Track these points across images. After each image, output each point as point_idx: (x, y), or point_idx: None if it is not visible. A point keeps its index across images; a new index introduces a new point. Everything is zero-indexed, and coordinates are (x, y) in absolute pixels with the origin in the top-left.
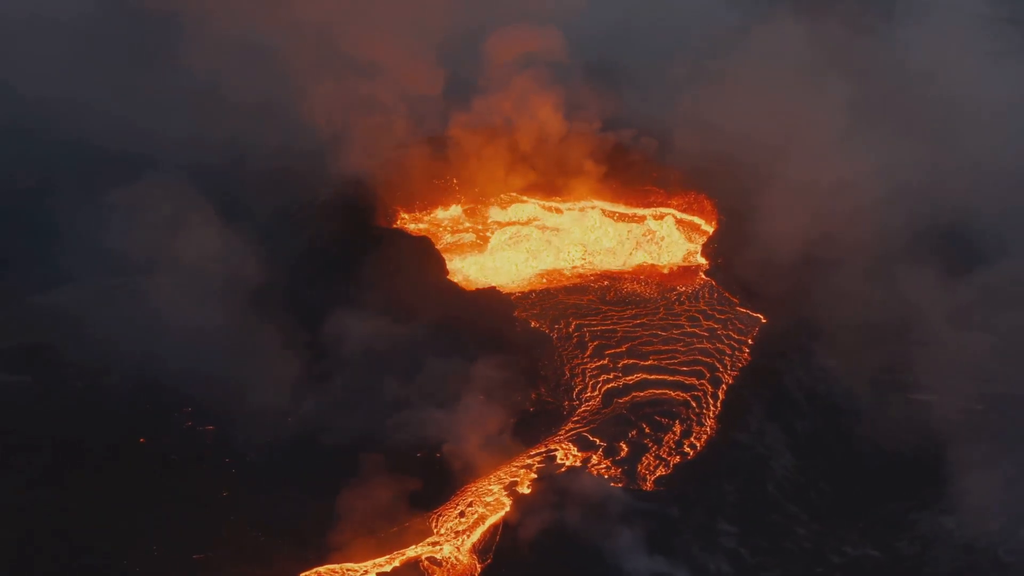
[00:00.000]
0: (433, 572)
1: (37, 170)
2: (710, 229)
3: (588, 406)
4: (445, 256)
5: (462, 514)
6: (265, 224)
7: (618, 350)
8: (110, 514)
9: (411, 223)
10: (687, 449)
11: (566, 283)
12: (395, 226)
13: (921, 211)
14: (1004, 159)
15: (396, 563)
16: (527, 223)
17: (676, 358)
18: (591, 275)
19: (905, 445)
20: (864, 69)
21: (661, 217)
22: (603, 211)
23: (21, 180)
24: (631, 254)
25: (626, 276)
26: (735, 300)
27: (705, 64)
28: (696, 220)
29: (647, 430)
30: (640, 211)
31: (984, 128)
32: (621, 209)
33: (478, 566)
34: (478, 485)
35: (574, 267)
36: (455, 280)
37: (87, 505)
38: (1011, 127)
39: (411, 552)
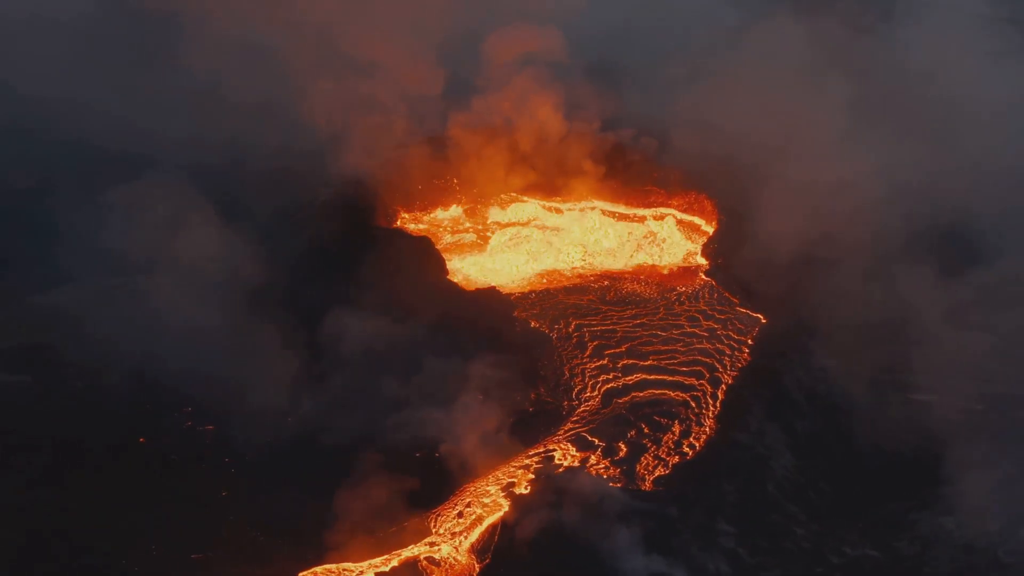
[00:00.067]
0: (431, 572)
1: (37, 170)
2: (710, 229)
3: (587, 406)
4: (445, 256)
5: (460, 515)
6: (265, 224)
7: (618, 350)
8: (110, 514)
9: (411, 223)
10: (686, 449)
11: (566, 283)
12: (395, 226)
13: (921, 211)
14: (1004, 159)
15: (394, 563)
16: (527, 223)
17: (676, 358)
18: (591, 275)
19: (905, 445)
20: (864, 69)
21: (661, 218)
22: (603, 211)
23: (21, 180)
24: (632, 255)
25: (626, 276)
26: (735, 300)
27: (705, 64)
28: (696, 220)
29: (646, 430)
30: (640, 211)
31: (984, 128)
32: (621, 209)
33: (476, 566)
34: (477, 485)
35: (574, 267)
36: (455, 280)
37: (87, 505)
38: (1011, 127)
39: (410, 552)
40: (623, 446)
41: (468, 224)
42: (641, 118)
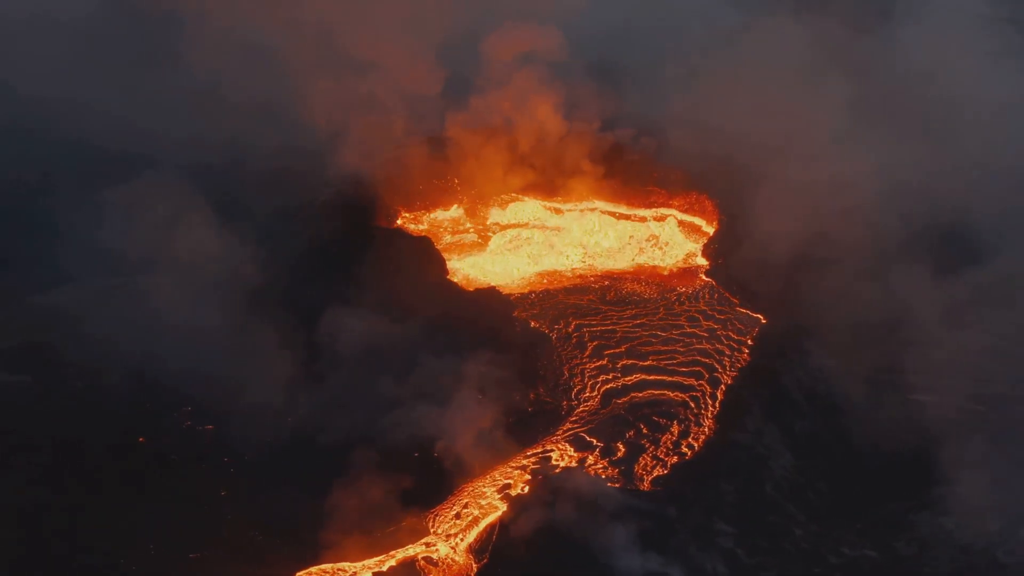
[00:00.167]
0: (429, 572)
1: (37, 170)
2: (711, 230)
3: (586, 406)
4: (445, 256)
5: (458, 516)
6: (265, 224)
7: (617, 350)
8: (109, 513)
9: (411, 223)
10: (685, 449)
11: (566, 283)
12: (395, 226)
13: (921, 211)
14: (1003, 159)
15: (392, 562)
16: (528, 223)
17: (675, 358)
18: (591, 275)
19: (904, 446)
20: (863, 69)
21: (663, 218)
22: (604, 212)
23: (21, 180)
24: (632, 256)
25: (626, 276)
26: (735, 300)
27: (704, 64)
28: (697, 221)
29: (645, 431)
30: (641, 211)
31: (983, 128)
32: (622, 210)
33: (474, 566)
34: (475, 485)
35: (574, 268)
36: (455, 280)
37: (87, 505)
38: (1010, 127)
39: (407, 552)
40: (621, 446)
41: (468, 224)
42: (641, 118)
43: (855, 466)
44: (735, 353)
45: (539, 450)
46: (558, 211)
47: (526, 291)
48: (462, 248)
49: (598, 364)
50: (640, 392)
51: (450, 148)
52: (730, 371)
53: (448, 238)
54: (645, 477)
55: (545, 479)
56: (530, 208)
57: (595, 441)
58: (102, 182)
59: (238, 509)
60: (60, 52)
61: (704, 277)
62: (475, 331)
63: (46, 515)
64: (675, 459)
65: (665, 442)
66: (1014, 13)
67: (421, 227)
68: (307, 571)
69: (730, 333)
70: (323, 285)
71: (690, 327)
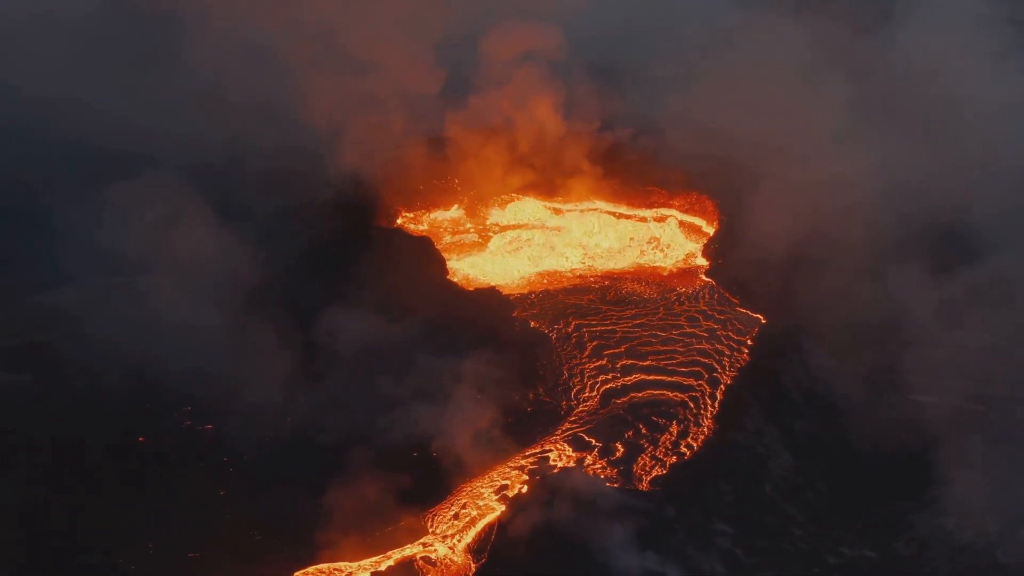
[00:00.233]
0: (427, 572)
1: (37, 170)
2: (711, 230)
3: (586, 406)
4: (445, 256)
5: (456, 516)
6: (265, 224)
7: (617, 350)
8: (109, 513)
9: (411, 223)
10: (684, 449)
11: (566, 283)
12: (395, 226)
13: (921, 211)
14: (1003, 159)
15: (391, 562)
16: (528, 223)
17: (675, 359)
18: (591, 275)
19: (903, 446)
20: (863, 69)
21: (663, 219)
22: (604, 212)
23: (21, 180)
24: (632, 256)
25: (627, 276)
26: (735, 300)
27: (704, 64)
28: (697, 221)
29: (644, 431)
30: (642, 212)
31: (983, 128)
32: (623, 210)
33: (473, 565)
34: (473, 485)
35: (574, 269)
36: (455, 280)
37: (86, 504)
38: (1010, 127)
39: (406, 551)
40: (620, 446)
41: (469, 224)
42: (641, 118)
43: (854, 466)
44: (735, 353)
45: (538, 450)
46: (558, 211)
47: (526, 291)
48: (462, 248)
49: (598, 364)
50: (639, 392)
51: (450, 148)
52: (729, 371)
53: (448, 238)
54: (644, 477)
55: (544, 479)
56: (530, 208)
57: (594, 441)
58: (102, 182)
59: (237, 509)
60: (60, 52)
61: (704, 277)
62: (475, 331)
63: (46, 515)
64: (674, 459)
65: (664, 442)
66: (1014, 13)
67: (421, 227)
68: (306, 571)
69: (730, 333)
70: (323, 285)
71: (690, 327)
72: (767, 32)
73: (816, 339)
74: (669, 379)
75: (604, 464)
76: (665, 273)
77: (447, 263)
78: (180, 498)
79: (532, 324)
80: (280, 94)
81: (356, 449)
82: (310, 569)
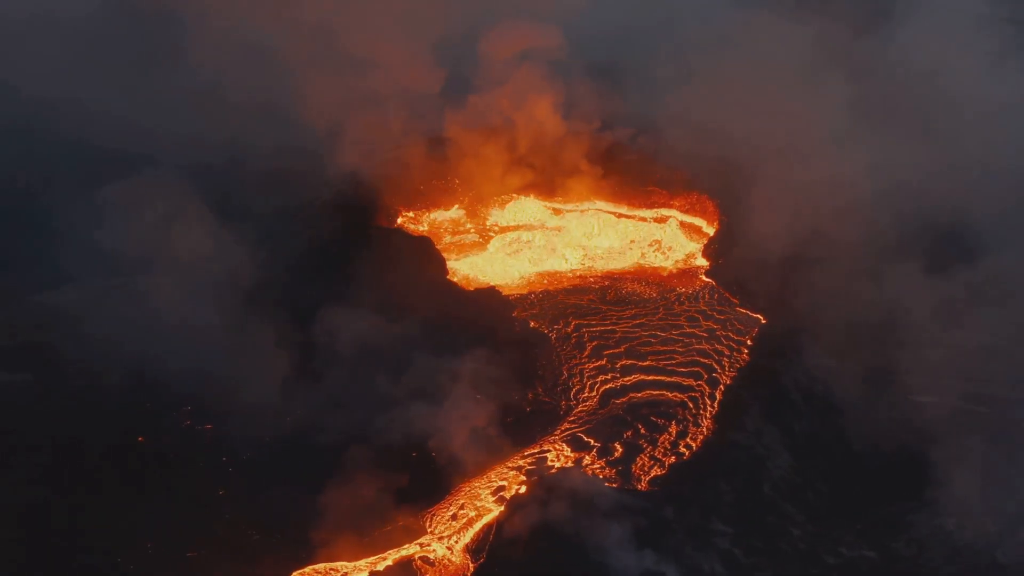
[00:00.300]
0: (426, 572)
1: (37, 170)
2: (712, 230)
3: (585, 406)
4: (445, 256)
5: (454, 517)
6: (265, 224)
7: (616, 351)
8: (109, 513)
9: (412, 223)
10: (683, 450)
11: (566, 283)
12: (395, 226)
13: (921, 211)
14: (1003, 159)
15: (389, 562)
16: (528, 224)
17: (674, 359)
18: (592, 275)
19: (903, 446)
20: (863, 69)
21: (664, 220)
22: (605, 212)
23: (21, 180)
24: (632, 256)
25: (627, 276)
26: (735, 301)
27: (705, 64)
28: (697, 221)
29: (643, 431)
30: (642, 212)
31: (983, 128)
32: (623, 210)
33: (471, 565)
34: (471, 485)
35: (574, 269)
36: (455, 280)
37: (86, 504)
38: (1010, 127)
39: (404, 551)
40: (619, 447)
41: (469, 225)
42: (642, 118)
43: (854, 466)
44: (734, 353)
45: (537, 450)
46: (558, 211)
47: (526, 291)
48: (462, 248)
49: (597, 364)
50: (639, 392)
51: (450, 148)
52: (729, 371)
53: (448, 238)
54: (643, 477)
55: (543, 479)
56: (531, 208)
57: (593, 441)
58: (102, 182)
59: (236, 508)
60: (60, 52)
61: (704, 277)
62: (474, 331)
63: (46, 514)
64: (673, 459)
65: (663, 442)
66: (1014, 13)
67: (421, 227)
68: (305, 569)
69: (729, 333)
70: (323, 285)
71: (690, 327)
72: (767, 32)
73: (816, 339)
74: (668, 379)
75: (603, 464)
76: (665, 273)
77: (447, 263)
78: (179, 498)
79: (532, 324)
80: (280, 94)
81: (355, 449)
82: (308, 569)
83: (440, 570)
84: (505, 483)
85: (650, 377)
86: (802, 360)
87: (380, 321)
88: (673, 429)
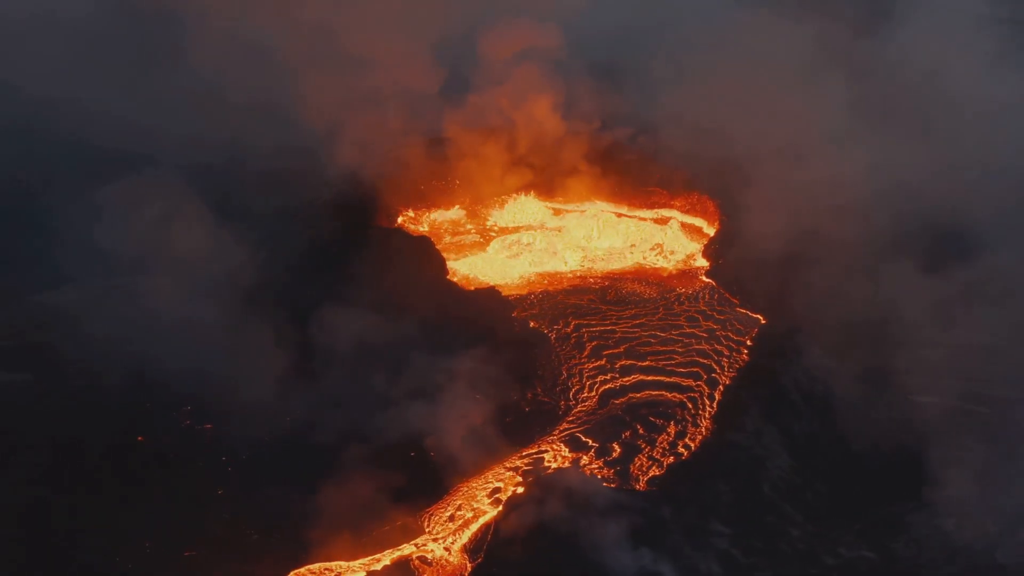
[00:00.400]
0: (423, 571)
1: (37, 170)
2: (712, 231)
3: (584, 406)
4: (445, 256)
5: (452, 517)
6: (266, 223)
7: (616, 351)
8: (108, 512)
9: (411, 223)
10: (681, 450)
11: (566, 283)
12: (395, 226)
13: (921, 211)
14: (1003, 159)
15: (387, 561)
16: (528, 224)
17: (674, 359)
18: (592, 275)
19: (903, 446)
20: (863, 69)
21: (665, 220)
22: (605, 212)
23: (21, 180)
24: (633, 256)
25: (627, 276)
26: (735, 301)
27: (705, 64)
28: (698, 222)
29: (641, 431)
30: (643, 212)
31: (982, 128)
32: (624, 210)
33: (468, 565)
34: (470, 485)
35: (574, 270)
36: (455, 280)
37: (85, 503)
38: (1010, 127)
39: (402, 551)
40: (617, 447)
41: (469, 225)
42: (641, 118)
43: (853, 467)
44: (734, 354)
45: (535, 450)
46: (559, 212)
47: (526, 291)
48: (462, 248)
49: (596, 364)
50: (638, 393)
51: (450, 148)
52: (728, 372)
53: (448, 238)
54: (641, 477)
55: (541, 479)
56: (531, 208)
57: (591, 441)
58: (102, 182)
59: (234, 508)
60: (60, 52)
61: (704, 278)
62: (474, 331)
63: (45, 514)
64: (671, 459)
65: (661, 443)
66: (1014, 13)
67: (421, 227)
68: (303, 569)
69: (729, 334)
70: (323, 285)
71: (689, 327)
72: (767, 32)
73: (816, 339)
74: (668, 380)
75: (601, 464)
76: (665, 274)
77: (447, 263)
78: (179, 497)
79: (532, 324)
80: (280, 94)
81: (354, 449)
82: (313, 567)
83: (438, 570)
84: (503, 483)
85: (649, 377)
86: (802, 360)
87: (380, 321)
88: (672, 429)
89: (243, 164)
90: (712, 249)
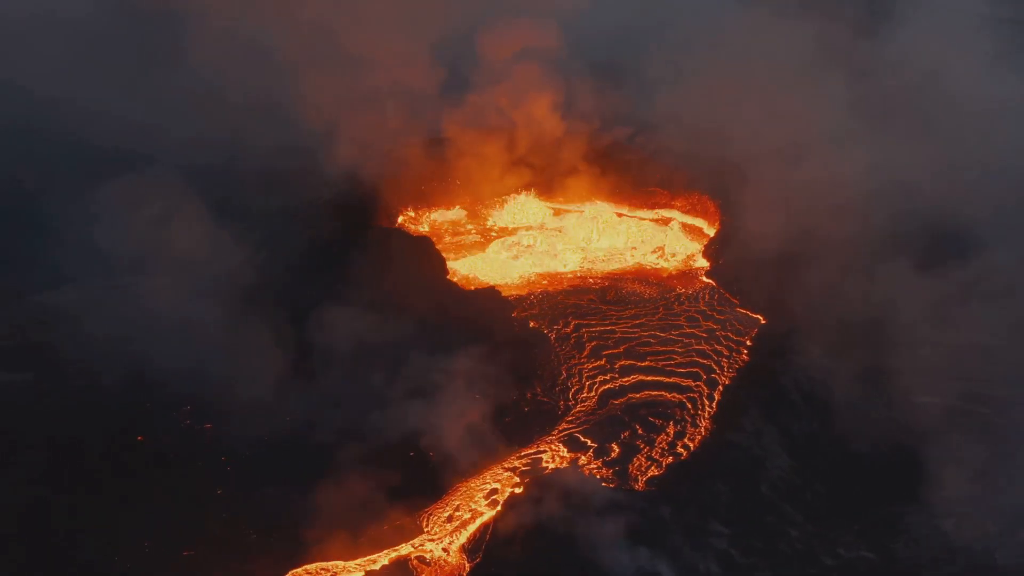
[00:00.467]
0: (422, 571)
1: (37, 170)
2: (713, 231)
3: (584, 407)
4: (445, 256)
5: (450, 517)
6: (266, 223)
7: (616, 351)
8: (108, 512)
9: (411, 223)
10: (680, 450)
11: (566, 283)
12: (395, 226)
13: (921, 211)
14: (1002, 159)
15: (385, 561)
16: (528, 224)
17: (673, 359)
18: (592, 275)
19: (902, 447)
20: (864, 69)
21: (666, 221)
22: (605, 212)
23: (22, 180)
24: (633, 256)
25: (627, 276)
26: (735, 301)
27: (705, 64)
28: (698, 222)
29: (640, 431)
30: (643, 212)
31: (982, 128)
32: (624, 211)
33: (467, 565)
34: (468, 484)
35: (573, 270)
36: (455, 280)
37: (85, 503)
38: (1010, 127)
39: (400, 551)
40: (616, 447)
41: (469, 225)
42: (641, 118)
43: (853, 467)
44: (733, 354)
45: (534, 450)
46: (559, 212)
47: (525, 291)
48: (462, 248)
49: (596, 364)
50: (637, 393)
51: (450, 148)
52: (728, 372)
53: (448, 238)
54: (640, 477)
55: (539, 479)
56: (531, 208)
57: (590, 442)
58: (102, 182)
59: (233, 507)
60: (60, 52)
61: (704, 278)
62: (474, 331)
63: (45, 514)
64: (670, 459)
65: (660, 443)
66: (1014, 13)
67: (421, 227)
68: (302, 569)
69: (729, 334)
70: (323, 285)
71: (689, 327)
72: (767, 31)
73: (816, 340)
74: (667, 380)
75: (600, 464)
76: (665, 274)
77: (447, 263)
78: (178, 497)
79: (531, 324)
80: (280, 93)
81: (353, 448)
82: (311, 567)
83: (436, 570)
84: (502, 483)
85: (649, 378)
86: (801, 360)
87: (379, 321)
88: (671, 429)
89: (243, 164)
90: (712, 249)
